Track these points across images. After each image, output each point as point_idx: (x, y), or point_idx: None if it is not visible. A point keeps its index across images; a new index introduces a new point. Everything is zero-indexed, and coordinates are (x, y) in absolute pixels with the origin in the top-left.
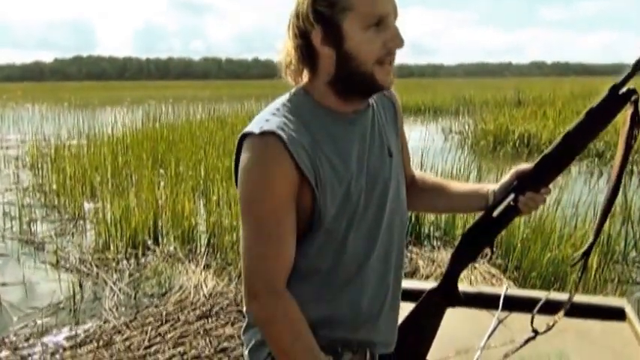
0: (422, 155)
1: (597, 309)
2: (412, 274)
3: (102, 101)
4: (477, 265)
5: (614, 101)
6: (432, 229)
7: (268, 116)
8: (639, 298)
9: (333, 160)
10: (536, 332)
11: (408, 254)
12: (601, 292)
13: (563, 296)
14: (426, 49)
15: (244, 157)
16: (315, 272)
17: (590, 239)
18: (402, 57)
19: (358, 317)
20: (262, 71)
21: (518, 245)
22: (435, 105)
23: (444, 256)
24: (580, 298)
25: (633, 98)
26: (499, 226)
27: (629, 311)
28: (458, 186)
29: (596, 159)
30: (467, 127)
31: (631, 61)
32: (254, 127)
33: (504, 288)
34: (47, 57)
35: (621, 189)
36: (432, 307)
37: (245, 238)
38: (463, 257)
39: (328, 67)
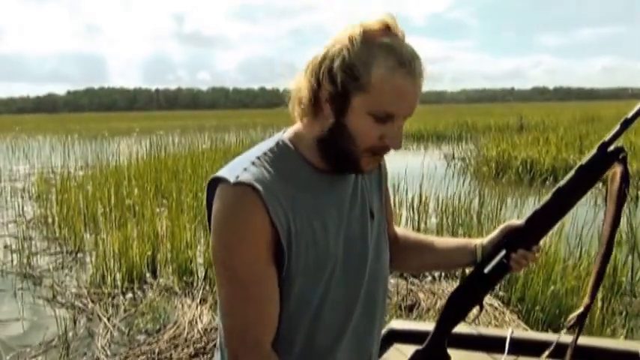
0: (421, 183)
1: (611, 353)
2: (413, 307)
3: (112, 132)
4: None
5: (603, 158)
6: None
7: (247, 164)
8: None
9: (311, 221)
10: None
11: (409, 287)
12: (608, 327)
13: (570, 339)
14: (429, 77)
15: (218, 208)
16: (290, 343)
17: (586, 301)
18: None
19: None
20: (269, 100)
21: (521, 277)
22: (437, 131)
23: (445, 287)
24: (593, 341)
25: (622, 156)
26: (489, 284)
27: None
28: (443, 242)
29: (600, 184)
30: (469, 153)
31: (630, 85)
32: (229, 173)
33: (509, 331)
34: (60, 89)
35: (626, 217)
36: None
37: (226, 298)
38: (452, 317)
39: (323, 124)
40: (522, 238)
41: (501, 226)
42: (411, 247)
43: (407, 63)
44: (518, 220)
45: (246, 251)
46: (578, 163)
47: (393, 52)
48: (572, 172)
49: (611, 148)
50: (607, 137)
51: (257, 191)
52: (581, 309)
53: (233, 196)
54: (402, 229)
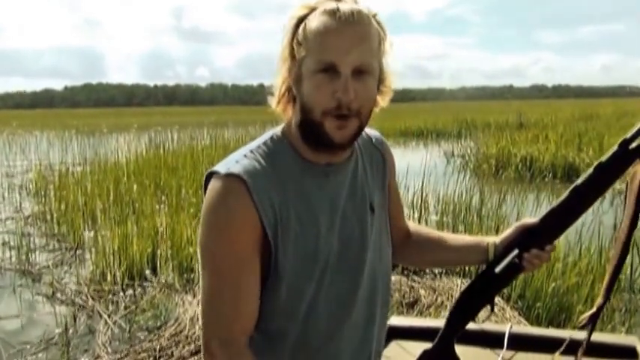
0: (422, 180)
1: (608, 348)
2: (414, 305)
3: (110, 128)
4: None
5: (624, 156)
6: None
7: (239, 157)
8: None
9: (301, 216)
10: None
11: (410, 283)
12: (608, 323)
13: (572, 334)
14: (428, 73)
15: (207, 197)
16: (283, 338)
17: (599, 301)
18: (403, 81)
19: None
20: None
21: (522, 274)
22: (436, 128)
23: (446, 284)
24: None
25: None
26: (501, 284)
27: None
28: (455, 238)
29: None
30: (469, 150)
31: (629, 83)
32: (223, 167)
33: (509, 326)
34: (57, 85)
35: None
36: None
37: (203, 287)
38: (462, 316)
39: (297, 109)
40: (536, 238)
41: (515, 225)
42: (422, 242)
43: (340, 10)
44: (532, 219)
45: (228, 240)
46: (597, 161)
47: (330, 8)
48: (590, 170)
49: (634, 145)
50: (629, 134)
51: (245, 183)
52: (594, 309)
53: (220, 186)
54: (414, 224)
